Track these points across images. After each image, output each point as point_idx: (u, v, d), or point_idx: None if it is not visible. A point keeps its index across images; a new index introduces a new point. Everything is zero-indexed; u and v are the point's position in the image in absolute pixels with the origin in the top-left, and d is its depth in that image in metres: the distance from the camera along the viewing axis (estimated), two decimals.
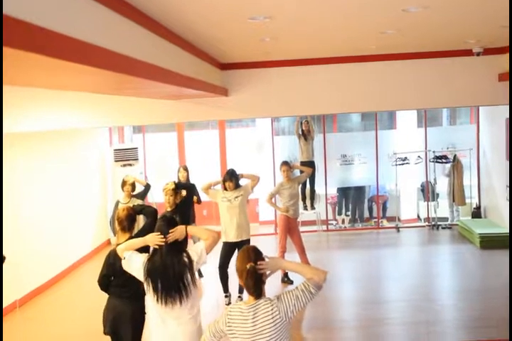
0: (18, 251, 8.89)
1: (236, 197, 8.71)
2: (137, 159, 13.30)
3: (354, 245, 12.70)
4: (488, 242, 11.51)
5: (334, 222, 14.06)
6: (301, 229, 12.30)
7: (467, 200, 13.42)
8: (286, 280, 9.55)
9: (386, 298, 9.34)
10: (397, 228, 13.47)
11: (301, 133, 13.11)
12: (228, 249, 8.65)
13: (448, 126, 15.54)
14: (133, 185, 9.54)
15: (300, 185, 10.09)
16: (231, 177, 8.73)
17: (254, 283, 3.84)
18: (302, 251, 9.72)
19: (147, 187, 10.43)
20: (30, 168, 9.67)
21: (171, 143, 14.00)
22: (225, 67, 8.39)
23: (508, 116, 10.94)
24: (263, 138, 14.19)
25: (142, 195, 10.05)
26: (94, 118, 8.66)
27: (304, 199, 13.23)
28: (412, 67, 8.38)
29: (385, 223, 13.90)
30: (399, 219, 13.84)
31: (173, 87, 5.47)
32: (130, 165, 13.12)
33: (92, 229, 12.51)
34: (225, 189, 8.78)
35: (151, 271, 4.81)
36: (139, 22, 4.26)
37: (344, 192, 14.05)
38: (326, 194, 13.69)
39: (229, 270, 8.60)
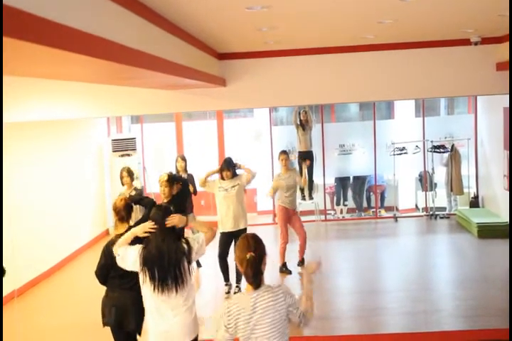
0: (16, 241, 8.90)
1: (233, 186, 8.71)
2: (135, 149, 13.31)
3: (352, 235, 12.72)
4: (486, 232, 11.53)
5: (332, 212, 14.07)
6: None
7: (465, 190, 13.43)
8: (284, 269, 9.58)
9: (384, 288, 9.37)
10: (395, 218, 13.48)
11: (299, 123, 13.10)
12: (226, 238, 8.65)
13: (446, 116, 15.52)
14: (131, 176, 9.43)
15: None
16: (228, 166, 8.71)
17: (254, 273, 3.83)
18: (303, 242, 9.69)
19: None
20: (27, 159, 9.67)
21: (168, 133, 13.99)
22: (223, 56, 8.37)
23: (505, 106, 10.93)
24: (261, 128, 14.18)
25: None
26: (92, 108, 8.65)
27: (301, 189, 13.23)
28: (410, 56, 8.37)
29: (383, 213, 13.93)
30: (397, 209, 13.85)
31: (170, 77, 5.46)
32: (128, 155, 13.13)
33: (91, 218, 12.52)
34: (222, 178, 8.78)
35: (147, 259, 4.84)
36: (136, 11, 4.25)
37: (342, 182, 14.05)
38: (324, 184, 13.70)
39: (229, 259, 8.62)
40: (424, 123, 13.73)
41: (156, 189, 13.95)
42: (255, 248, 3.88)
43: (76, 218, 11.61)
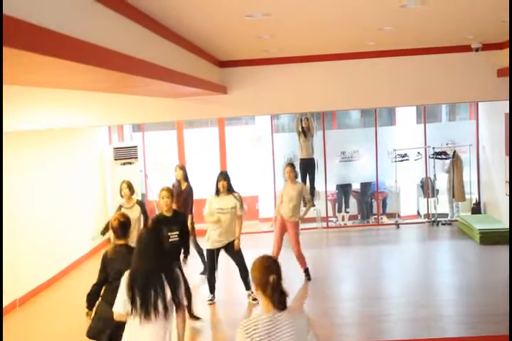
0: (17, 251, 8.90)
1: (232, 207, 8.54)
2: (137, 157, 13.31)
3: (354, 242, 12.70)
4: (488, 238, 11.51)
5: (334, 219, 14.06)
6: (301, 226, 12.35)
7: (467, 196, 13.41)
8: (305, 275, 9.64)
9: (386, 294, 9.35)
10: (397, 224, 13.47)
11: (300, 130, 13.10)
12: (214, 254, 8.63)
13: (447, 122, 15.53)
14: (130, 188, 9.22)
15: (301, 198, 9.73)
16: (225, 177, 8.61)
17: (280, 296, 3.72)
18: (298, 255, 9.62)
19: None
20: (28, 167, 9.67)
21: (170, 141, 14.00)
22: (224, 64, 8.39)
23: (507, 112, 10.93)
24: (263, 135, 14.19)
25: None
26: (93, 116, 8.67)
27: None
28: (411, 63, 8.38)
29: (385, 219, 13.91)
30: (399, 216, 13.84)
31: (171, 85, 5.47)
32: (130, 163, 13.13)
33: (92, 227, 12.50)
34: (217, 191, 8.59)
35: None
36: (136, 20, 4.26)
37: (344, 189, 14.04)
38: (326, 191, 13.69)
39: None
40: (426, 129, 13.73)
41: (157, 197, 14.01)
42: (276, 269, 3.76)
43: (77, 226, 11.60)
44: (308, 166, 13.16)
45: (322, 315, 8.38)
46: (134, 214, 8.82)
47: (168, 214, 7.80)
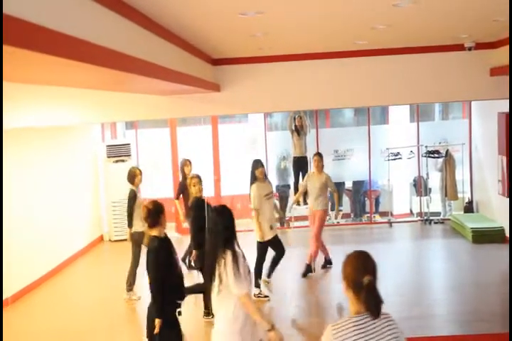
0: (9, 248, 8.88)
1: (272, 192, 9.02)
2: (130, 155, 13.29)
3: (347, 240, 12.71)
4: (481, 236, 11.55)
5: (327, 217, 14.05)
6: (295, 224, 12.36)
7: (459, 195, 13.45)
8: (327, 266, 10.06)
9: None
10: (390, 223, 13.49)
11: (294, 128, 13.11)
12: (266, 247, 8.77)
13: (440, 121, 15.57)
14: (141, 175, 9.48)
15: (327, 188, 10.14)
16: (262, 164, 8.97)
17: (376, 301, 3.33)
18: (315, 239, 9.92)
19: None
20: (21, 164, 9.64)
21: (163, 138, 13.98)
22: (217, 62, 8.38)
23: (500, 111, 10.96)
24: (256, 133, 14.19)
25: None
26: (86, 114, 8.65)
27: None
28: (405, 62, 8.39)
29: (378, 218, 13.93)
30: (391, 214, 13.86)
31: (164, 83, 5.45)
32: (123, 161, 13.11)
33: (85, 225, 12.49)
34: (255, 178, 8.82)
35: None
36: (129, 17, 4.25)
37: (337, 187, 14.03)
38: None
39: None
40: (419, 128, 13.76)
41: (150, 194, 13.99)
42: (373, 269, 3.40)
43: (70, 224, 11.58)
44: (301, 164, 13.16)
45: (314, 313, 8.38)
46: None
47: (200, 196, 8.23)
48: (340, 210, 14.03)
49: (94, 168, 13.23)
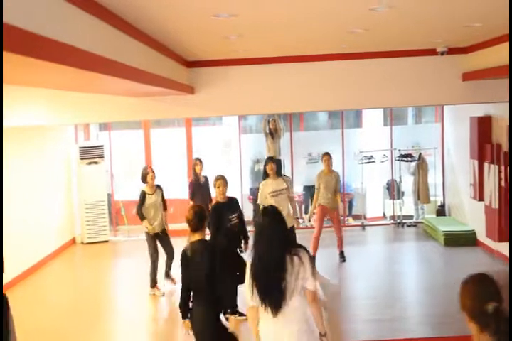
0: None
1: (283, 189, 9.13)
2: (103, 157, 13.21)
3: (320, 243, 12.68)
4: (452, 240, 11.64)
5: (301, 220, 14.07)
6: None
7: (432, 198, 13.56)
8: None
9: (351, 295, 9.39)
10: (363, 226, 13.55)
11: (268, 131, 13.11)
12: None
13: (413, 125, 15.68)
14: (154, 174, 9.54)
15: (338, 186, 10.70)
16: (273, 161, 9.23)
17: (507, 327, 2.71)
18: (339, 238, 10.79)
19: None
20: None
21: (137, 140, 13.91)
22: (191, 64, 8.36)
23: (471, 115, 11.06)
24: (230, 136, 14.18)
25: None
26: (60, 115, 8.58)
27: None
28: (378, 66, 8.43)
29: (351, 221, 13.97)
30: (365, 217, 13.91)
31: (137, 84, 5.43)
32: (96, 163, 13.03)
33: (57, 227, 12.37)
34: (266, 174, 9.13)
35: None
36: (102, 18, 4.22)
37: (310, 190, 14.06)
38: (293, 192, 13.69)
39: None
40: (392, 132, 13.84)
41: (124, 196, 13.93)
42: (497, 294, 2.83)
43: (42, 226, 11.46)
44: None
45: None
46: (158, 198, 9.52)
47: (223, 200, 8.15)
48: (314, 213, 14.05)
49: (67, 169, 13.12)
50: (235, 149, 13.81)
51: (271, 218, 4.58)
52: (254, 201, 13.62)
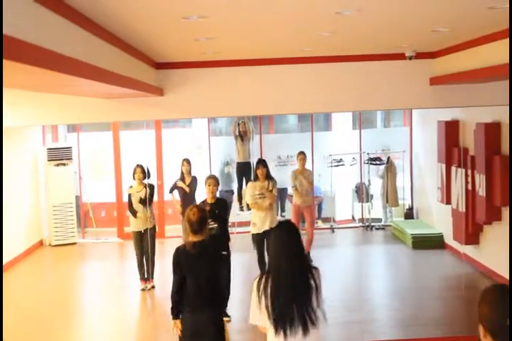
0: None
1: (270, 190, 9.34)
2: (71, 158, 13.11)
3: None
4: (420, 242, 11.75)
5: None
6: (238, 229, 12.37)
7: (400, 201, 13.67)
8: None
9: None
10: (332, 229, 13.61)
11: (238, 134, 13.11)
12: (259, 238, 9.19)
13: (382, 129, 15.78)
14: (144, 173, 9.87)
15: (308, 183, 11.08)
16: (263, 165, 9.51)
17: None
18: (309, 239, 10.85)
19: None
20: None
21: (106, 142, 13.82)
22: (161, 66, 8.31)
23: (439, 119, 11.17)
24: (200, 138, 14.15)
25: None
26: (27, 116, 8.47)
27: (240, 200, 13.25)
28: (347, 69, 8.46)
29: (320, 224, 14.02)
30: (334, 220, 13.98)
31: (104, 86, 5.38)
32: (64, 164, 12.93)
33: (24, 229, 12.23)
34: (256, 177, 9.45)
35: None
36: (68, 17, 4.17)
37: (280, 193, 14.08)
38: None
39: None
40: (361, 135, 13.93)
41: (92, 199, 13.83)
42: None
43: (9, 228, 11.31)
44: (245, 170, 13.16)
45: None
46: (142, 195, 9.82)
47: (211, 201, 8.15)
48: (283, 216, 14.09)
49: (35, 171, 12.98)
50: (205, 152, 13.78)
51: (288, 232, 4.33)
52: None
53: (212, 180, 8.27)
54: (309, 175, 11.14)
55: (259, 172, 9.45)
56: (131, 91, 6.59)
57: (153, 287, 9.74)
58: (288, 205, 14.19)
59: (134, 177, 9.90)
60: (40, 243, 13.04)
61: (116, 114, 8.47)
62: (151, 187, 10.04)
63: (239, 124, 13.07)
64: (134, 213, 9.74)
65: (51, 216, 12.90)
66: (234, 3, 4.41)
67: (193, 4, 4.40)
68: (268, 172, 9.53)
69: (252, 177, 9.70)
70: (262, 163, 9.66)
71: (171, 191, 11.14)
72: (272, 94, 8.51)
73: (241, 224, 12.99)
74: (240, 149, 13.13)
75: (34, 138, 13.06)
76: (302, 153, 11.15)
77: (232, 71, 8.45)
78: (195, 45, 6.57)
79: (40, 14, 3.67)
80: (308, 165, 13.51)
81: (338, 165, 13.63)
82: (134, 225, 9.77)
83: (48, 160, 12.83)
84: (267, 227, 9.17)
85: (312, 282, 4.28)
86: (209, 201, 8.16)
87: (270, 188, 9.41)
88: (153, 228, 9.93)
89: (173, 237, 11.41)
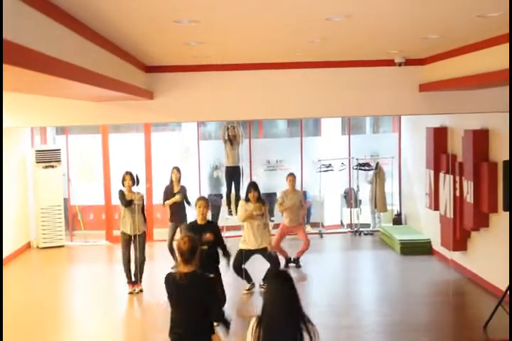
0: None
1: (258, 215, 9.58)
2: (60, 161, 13.07)
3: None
4: (408, 248, 11.79)
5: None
6: (226, 234, 12.34)
7: (388, 207, 13.70)
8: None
9: (308, 303, 9.39)
10: (321, 234, 13.63)
11: (227, 138, 13.11)
12: (246, 255, 9.57)
13: (371, 134, 15.82)
14: (133, 180, 9.85)
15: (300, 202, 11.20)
16: (255, 188, 9.72)
17: None
18: (302, 250, 11.12)
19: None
20: None
21: (95, 145, 13.79)
22: (151, 69, 8.31)
23: (428, 126, 11.22)
24: (189, 142, 14.14)
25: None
26: (15, 117, 8.44)
27: (228, 204, 13.25)
28: (337, 75, 8.48)
29: (309, 229, 14.01)
30: (322, 225, 13.99)
31: (94, 88, 5.38)
32: (52, 166, 12.89)
33: (12, 231, 12.16)
34: (247, 199, 9.67)
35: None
36: (58, 20, 4.17)
37: (268, 197, 14.08)
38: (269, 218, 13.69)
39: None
40: (350, 141, 13.96)
41: (80, 201, 13.78)
42: None
43: None
44: (233, 174, 13.18)
45: (241, 324, 8.36)
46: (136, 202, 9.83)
47: (202, 222, 8.15)
48: (272, 221, 14.08)
49: (23, 173, 12.93)
50: (194, 155, 13.77)
51: (284, 283, 4.33)
52: (213, 208, 13.64)
53: (203, 201, 8.25)
54: (299, 196, 11.17)
55: (250, 195, 9.63)
56: (121, 94, 6.58)
57: (141, 290, 9.71)
58: (277, 212, 14.20)
59: (123, 184, 9.87)
60: (28, 245, 12.98)
61: (105, 117, 8.45)
62: (141, 196, 10.07)
63: (228, 128, 13.07)
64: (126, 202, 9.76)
65: (39, 218, 12.85)
66: (225, 8, 4.42)
67: (185, 8, 4.41)
68: (259, 195, 9.73)
69: (245, 198, 9.85)
70: (253, 186, 9.83)
71: (164, 202, 11.06)
72: (262, 99, 8.52)
73: (230, 228, 12.99)
74: (229, 153, 13.14)
75: (22, 140, 13.01)
76: (292, 175, 11.18)
77: (222, 75, 8.46)
78: (185, 48, 6.58)
79: (31, 17, 3.66)
80: (297, 171, 13.62)
81: (327, 171, 13.65)
82: (124, 227, 9.75)
83: (37, 162, 12.78)
84: (258, 245, 9.54)
85: (305, 334, 4.24)
86: (199, 222, 8.16)
87: (262, 212, 9.62)
88: (143, 234, 9.89)
89: (162, 241, 11.35)
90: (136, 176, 9.94)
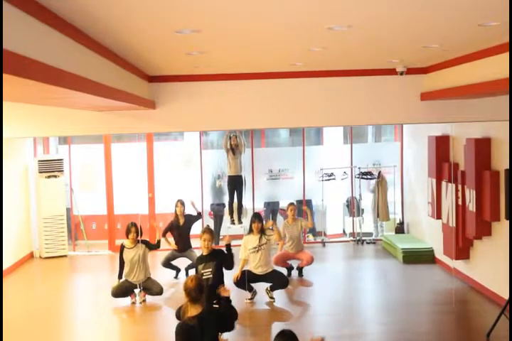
0: None
1: (263, 244, 9.64)
2: (62, 170, 13.10)
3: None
4: (411, 257, 11.78)
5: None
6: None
7: (391, 216, 13.70)
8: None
9: (310, 312, 9.41)
10: (323, 243, 13.62)
11: (229, 147, 13.14)
12: (250, 277, 9.53)
13: (373, 143, 15.84)
14: (137, 232, 9.76)
15: (302, 228, 11.37)
16: (259, 220, 9.76)
17: None
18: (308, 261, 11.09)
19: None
20: None
21: (97, 154, 13.82)
22: (153, 79, 8.34)
23: (430, 134, 11.23)
24: (191, 151, 14.17)
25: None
26: (18, 127, 8.46)
27: (231, 213, 13.26)
28: (339, 84, 8.50)
29: (311, 238, 14.03)
30: (325, 234, 13.99)
31: (96, 98, 5.39)
32: (55, 176, 12.91)
33: (14, 241, 12.18)
34: (251, 230, 9.71)
35: None
36: (62, 31, 4.19)
37: (271, 206, 14.11)
38: (254, 208, 13.73)
39: None
40: (352, 149, 13.98)
41: (83, 211, 13.80)
42: None
43: None
44: (236, 183, 13.19)
45: (244, 334, 8.36)
46: (139, 252, 9.77)
47: (206, 253, 8.24)
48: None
49: (26, 183, 12.96)
50: (196, 165, 13.80)
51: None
52: (215, 217, 13.69)
53: (208, 235, 8.22)
54: (300, 224, 11.15)
55: (254, 226, 9.68)
56: (123, 104, 6.60)
57: (144, 300, 9.70)
58: (279, 218, 14.22)
59: (127, 236, 9.77)
60: (31, 255, 12.99)
61: (108, 127, 8.47)
62: (146, 242, 10.07)
63: (230, 138, 13.09)
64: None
65: (42, 228, 12.87)
66: (226, 18, 4.44)
67: (186, 18, 4.43)
68: (262, 226, 9.76)
69: (249, 229, 9.90)
70: (258, 217, 9.86)
71: (164, 234, 11.02)
72: (264, 108, 8.54)
73: (231, 237, 12.93)
74: (231, 162, 13.16)
75: (25, 150, 13.05)
76: (292, 204, 11.28)
77: (224, 85, 8.48)
78: (187, 58, 6.60)
79: (34, 27, 3.68)
80: (299, 180, 13.64)
81: (329, 180, 13.67)
82: (127, 275, 9.78)
83: (39, 172, 12.81)
84: (260, 268, 9.62)
85: None
86: (204, 253, 8.22)
87: (264, 242, 9.63)
88: (148, 278, 9.88)
89: (166, 250, 11.34)
90: (140, 227, 9.86)
